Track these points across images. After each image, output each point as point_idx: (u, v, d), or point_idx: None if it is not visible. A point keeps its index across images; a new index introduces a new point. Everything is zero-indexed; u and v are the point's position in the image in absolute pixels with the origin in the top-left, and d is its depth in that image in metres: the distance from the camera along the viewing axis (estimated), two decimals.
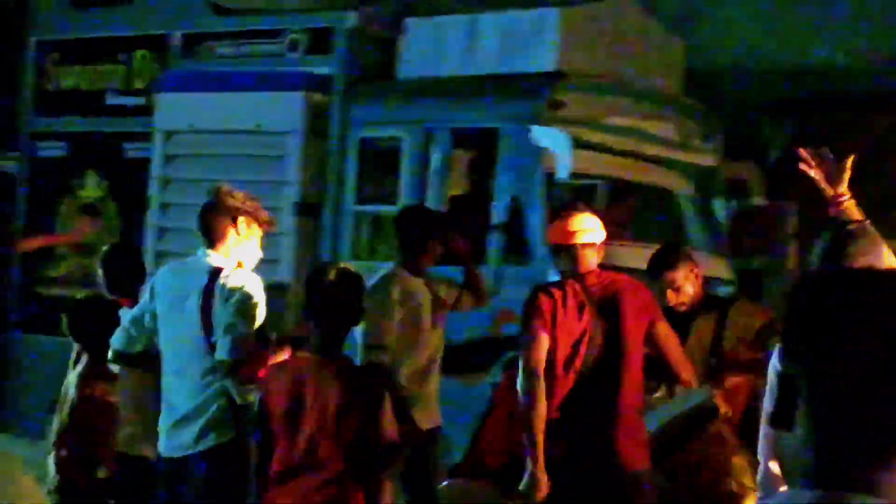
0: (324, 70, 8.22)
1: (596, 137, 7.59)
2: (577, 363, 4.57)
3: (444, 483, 5.53)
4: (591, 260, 4.70)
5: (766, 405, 3.58)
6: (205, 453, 4.62)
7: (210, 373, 4.66)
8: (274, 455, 4.07)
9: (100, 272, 5.73)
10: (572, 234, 4.68)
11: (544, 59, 7.63)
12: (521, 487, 4.55)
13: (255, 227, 4.78)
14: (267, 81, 8.38)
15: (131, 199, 8.94)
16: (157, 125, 8.72)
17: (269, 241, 5.02)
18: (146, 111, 8.92)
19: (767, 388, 3.55)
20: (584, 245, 4.67)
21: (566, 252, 4.70)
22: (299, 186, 8.09)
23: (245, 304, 4.59)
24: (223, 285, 4.64)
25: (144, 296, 5.05)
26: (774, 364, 3.57)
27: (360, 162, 8.01)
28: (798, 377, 1.64)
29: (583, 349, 4.59)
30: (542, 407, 4.48)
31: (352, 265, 4.64)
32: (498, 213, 7.35)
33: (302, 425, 4.00)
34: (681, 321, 5.06)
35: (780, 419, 1.75)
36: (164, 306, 4.84)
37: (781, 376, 1.72)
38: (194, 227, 4.84)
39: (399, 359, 5.57)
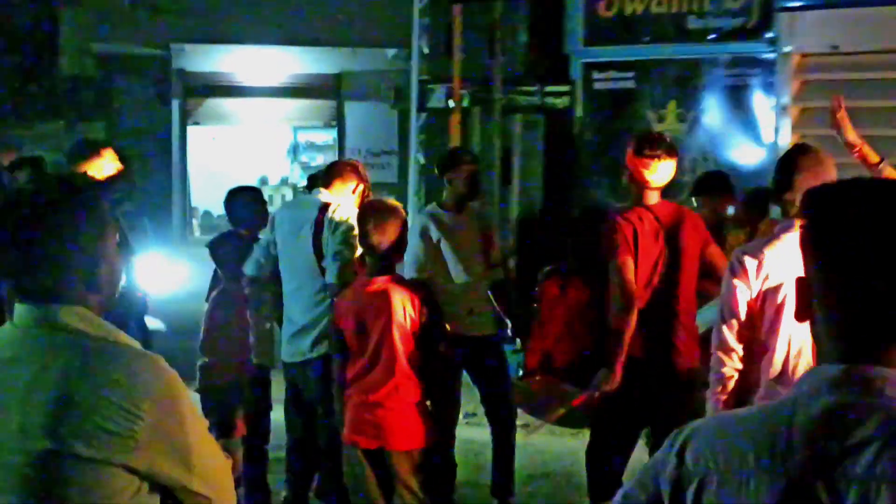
0: None
1: None
2: (655, 280, 5.00)
3: (522, 380, 6.10)
4: (656, 198, 5.03)
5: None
6: (318, 358, 5.29)
7: (321, 291, 5.31)
8: (349, 363, 4.70)
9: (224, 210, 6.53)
10: (648, 178, 4.95)
11: None
12: (597, 379, 4.94)
13: (359, 194, 5.50)
14: None
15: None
16: (784, 48, 7.46)
17: None
18: (741, 35, 7.75)
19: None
20: (655, 188, 5.00)
21: (638, 187, 5.01)
22: None
23: (348, 234, 5.16)
24: (331, 218, 5.29)
25: (267, 228, 5.74)
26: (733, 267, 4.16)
27: None
28: (818, 279, 1.63)
29: (659, 268, 5.01)
30: (633, 320, 4.90)
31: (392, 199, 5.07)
32: None
33: (367, 337, 4.62)
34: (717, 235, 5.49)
35: (802, 314, 1.66)
36: (282, 235, 5.55)
37: (800, 279, 1.66)
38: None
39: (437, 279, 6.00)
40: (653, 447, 5.21)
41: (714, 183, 6.16)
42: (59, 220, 2.23)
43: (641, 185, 5.00)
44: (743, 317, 4.08)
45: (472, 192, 6.22)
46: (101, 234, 2.27)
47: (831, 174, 3.96)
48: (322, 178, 5.73)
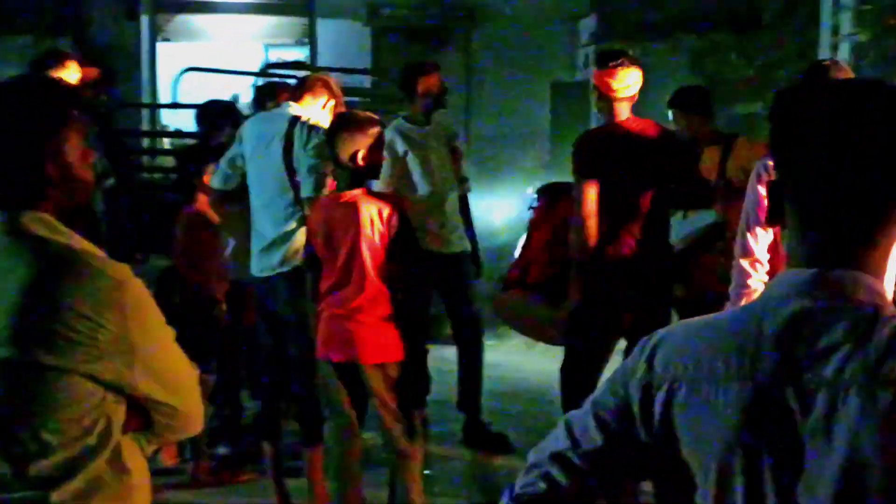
0: None
1: None
2: (621, 194, 5.04)
3: (497, 295, 6.13)
4: (627, 111, 5.10)
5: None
6: (288, 273, 5.21)
7: (291, 205, 5.24)
8: (321, 275, 4.66)
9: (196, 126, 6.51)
10: (615, 87, 5.03)
11: None
12: (563, 309, 5.10)
13: (330, 110, 5.38)
14: None
15: None
16: None
17: None
18: None
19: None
20: (622, 98, 5.06)
21: (606, 102, 5.10)
22: None
23: (321, 147, 5.06)
24: (302, 132, 5.22)
25: (235, 141, 5.67)
26: (758, 173, 4.10)
27: None
28: (786, 182, 1.60)
29: (625, 185, 5.06)
30: (592, 242, 4.99)
31: None
32: None
33: (337, 251, 4.58)
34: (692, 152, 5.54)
35: (774, 219, 1.63)
36: (251, 149, 5.46)
37: (771, 183, 1.64)
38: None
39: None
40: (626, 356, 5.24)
41: (691, 98, 6.13)
42: (2, 120, 2.17)
43: (610, 100, 5.07)
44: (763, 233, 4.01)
45: (436, 103, 6.18)
46: (47, 132, 2.19)
47: None
48: (292, 91, 5.66)
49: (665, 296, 5.16)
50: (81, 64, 6.01)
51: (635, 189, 5.10)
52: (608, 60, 5.08)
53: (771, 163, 3.96)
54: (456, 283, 6.31)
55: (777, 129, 1.62)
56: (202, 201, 5.78)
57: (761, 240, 4.02)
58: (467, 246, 6.43)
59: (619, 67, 5.02)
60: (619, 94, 5.06)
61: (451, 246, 6.27)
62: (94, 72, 6.27)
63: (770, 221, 1.66)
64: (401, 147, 6.14)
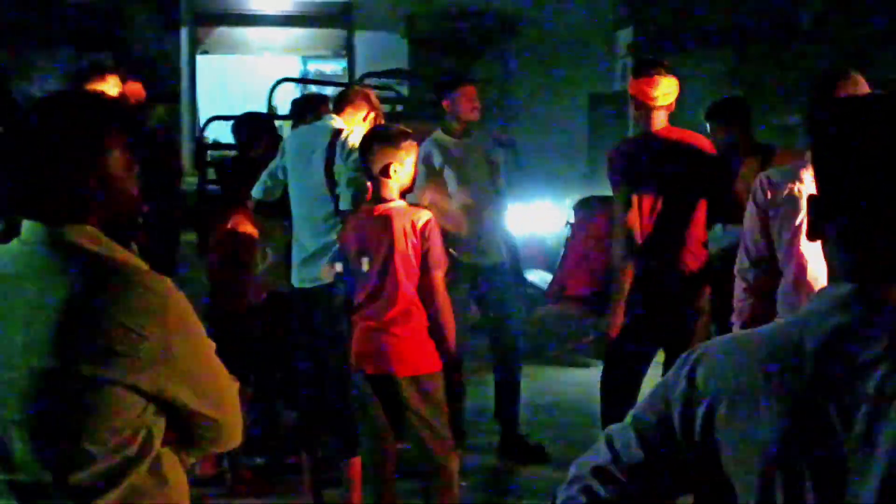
0: None
1: None
2: (659, 206, 5.06)
3: (538, 309, 6.14)
4: (664, 120, 5.14)
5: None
6: (328, 285, 5.25)
7: (331, 217, 5.30)
8: (356, 288, 4.66)
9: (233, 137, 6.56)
10: (652, 95, 5.07)
11: None
12: (600, 325, 5.15)
13: (370, 122, 5.42)
14: None
15: None
16: None
17: None
18: None
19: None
20: (659, 107, 5.10)
21: (643, 111, 5.13)
22: None
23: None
24: (343, 144, 5.26)
25: (278, 154, 5.75)
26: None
27: None
28: (828, 196, 1.59)
29: (662, 195, 5.07)
30: (630, 265, 5.00)
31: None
32: None
33: (370, 263, 4.57)
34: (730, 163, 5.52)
35: (815, 234, 1.62)
36: (292, 161, 5.55)
37: (811, 197, 1.62)
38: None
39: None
40: (665, 369, 5.23)
41: (729, 108, 6.10)
42: (46, 134, 2.18)
43: (647, 108, 5.09)
44: (762, 240, 4.03)
45: (474, 114, 6.19)
46: (89, 145, 2.19)
47: None
48: (334, 104, 5.71)
49: (702, 307, 5.14)
50: (127, 81, 6.07)
51: (671, 198, 5.10)
52: (645, 69, 5.14)
53: (766, 178, 3.98)
54: (493, 294, 6.30)
55: (822, 143, 1.62)
56: (238, 217, 5.80)
57: (754, 256, 4.04)
58: (504, 258, 6.41)
59: (656, 76, 5.06)
60: (657, 103, 5.08)
61: (487, 257, 6.27)
62: (139, 90, 6.30)
63: (810, 236, 1.65)
64: (438, 159, 6.14)
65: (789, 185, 3.95)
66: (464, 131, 6.25)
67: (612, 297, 5.09)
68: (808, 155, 3.97)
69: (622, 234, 5.02)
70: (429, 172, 6.05)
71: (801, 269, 3.92)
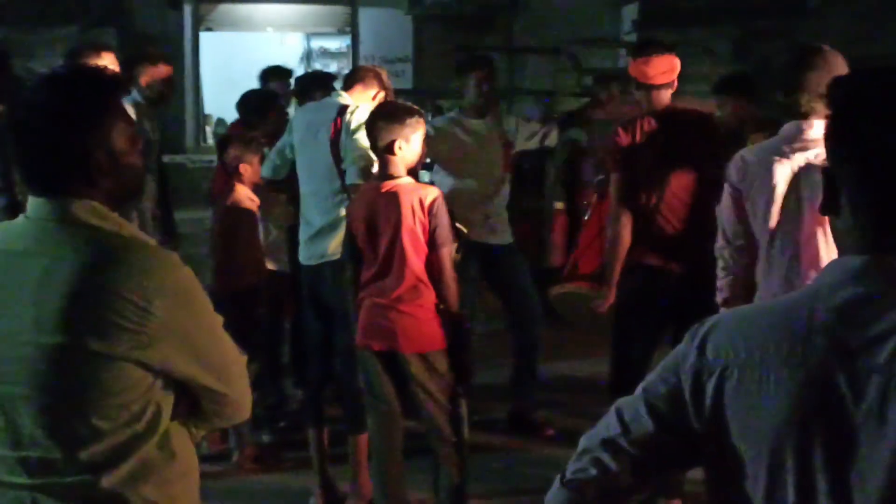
0: None
1: None
2: (659, 187, 5.05)
3: (554, 289, 6.13)
4: (666, 98, 5.15)
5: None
6: (335, 261, 5.20)
7: (339, 193, 5.26)
8: (363, 266, 4.65)
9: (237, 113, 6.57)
10: (651, 74, 5.09)
11: None
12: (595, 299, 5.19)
13: (379, 101, 5.32)
14: None
15: None
16: None
17: None
18: None
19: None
20: (660, 85, 5.10)
21: (645, 91, 5.14)
22: None
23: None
24: (349, 120, 5.23)
25: (286, 131, 5.74)
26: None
27: None
28: (842, 169, 1.59)
29: (668, 173, 5.05)
30: (625, 236, 5.06)
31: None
32: None
33: (378, 240, 4.56)
34: (738, 138, 5.48)
35: (828, 208, 1.62)
36: (300, 137, 5.52)
37: (825, 171, 1.62)
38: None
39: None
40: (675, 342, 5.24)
41: (735, 83, 6.08)
42: (50, 110, 2.17)
43: (648, 87, 5.11)
44: (736, 218, 4.06)
45: (490, 94, 6.21)
46: (93, 120, 2.19)
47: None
48: (343, 81, 5.68)
49: (711, 283, 5.13)
50: (152, 61, 6.08)
51: (676, 176, 5.08)
52: (642, 49, 5.21)
53: (741, 157, 3.99)
54: (505, 273, 6.30)
55: (838, 116, 1.61)
56: (239, 192, 5.79)
57: (734, 232, 4.06)
58: (511, 237, 6.41)
59: (654, 55, 5.09)
60: (656, 82, 5.09)
61: (496, 236, 6.27)
62: (166, 70, 6.23)
63: (824, 210, 1.65)
64: (453, 138, 6.16)
65: (761, 162, 3.95)
66: (479, 111, 6.24)
67: (604, 276, 5.13)
68: (783, 130, 4.00)
69: (617, 214, 5.06)
70: (449, 149, 6.08)
71: (775, 245, 3.91)
